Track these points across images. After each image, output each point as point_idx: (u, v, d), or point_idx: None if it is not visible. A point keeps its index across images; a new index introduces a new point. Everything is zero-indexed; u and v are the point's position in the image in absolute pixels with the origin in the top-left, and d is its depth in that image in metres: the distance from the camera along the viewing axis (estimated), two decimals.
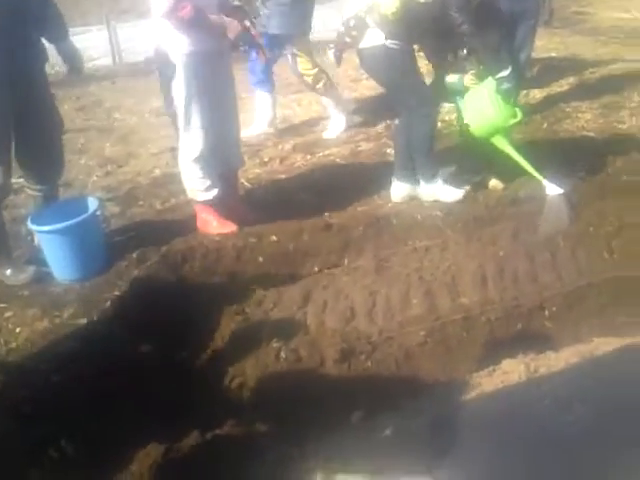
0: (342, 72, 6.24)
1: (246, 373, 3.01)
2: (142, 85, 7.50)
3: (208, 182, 3.94)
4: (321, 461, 2.47)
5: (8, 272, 3.71)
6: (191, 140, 3.83)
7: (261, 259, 3.77)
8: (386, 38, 3.99)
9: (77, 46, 3.92)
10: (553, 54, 8.57)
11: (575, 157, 4.99)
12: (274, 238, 3.88)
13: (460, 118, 4.52)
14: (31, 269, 3.73)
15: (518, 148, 4.27)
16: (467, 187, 4.48)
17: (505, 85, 4.09)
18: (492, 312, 3.35)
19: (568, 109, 6.38)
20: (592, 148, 5.34)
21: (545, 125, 5.90)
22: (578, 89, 7.12)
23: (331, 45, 4.27)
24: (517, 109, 4.25)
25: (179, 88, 3.70)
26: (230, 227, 4.03)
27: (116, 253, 3.85)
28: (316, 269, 3.75)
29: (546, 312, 3.43)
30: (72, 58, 3.87)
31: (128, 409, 2.75)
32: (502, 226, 4.15)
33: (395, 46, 4.02)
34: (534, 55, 6.77)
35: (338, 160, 5.08)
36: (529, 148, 4.38)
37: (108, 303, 3.41)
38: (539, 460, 2.36)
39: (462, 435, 2.51)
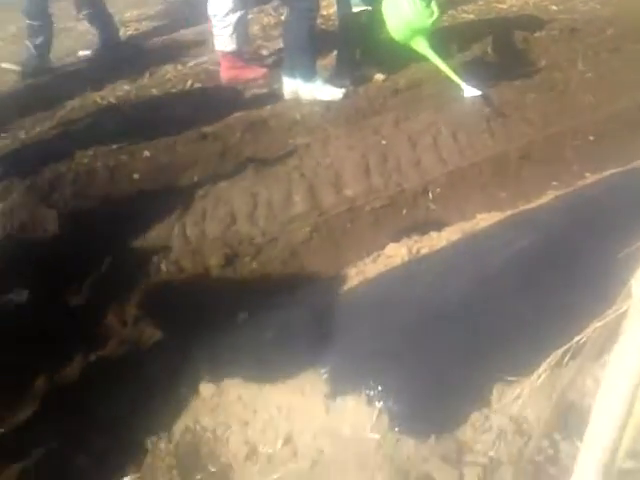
0: None
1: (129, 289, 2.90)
2: None
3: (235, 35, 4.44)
4: (208, 363, 2.44)
5: None
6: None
7: (136, 176, 3.60)
8: None
9: None
10: None
11: (460, 43, 4.98)
12: (147, 153, 3.71)
13: (341, 6, 4.37)
14: None
15: (437, 50, 4.15)
16: (348, 85, 4.40)
17: None
18: (376, 201, 3.35)
19: None
20: (473, 30, 5.34)
21: None
22: None
23: None
24: (433, 5, 4.05)
25: None
26: (260, 71, 4.67)
27: None
28: (194, 180, 3.61)
29: (430, 195, 3.46)
30: None
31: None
32: (384, 116, 4.12)
33: None
34: None
35: (211, 67, 4.86)
36: None
37: None
38: (422, 335, 2.38)
39: (346, 320, 2.50)
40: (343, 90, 4.32)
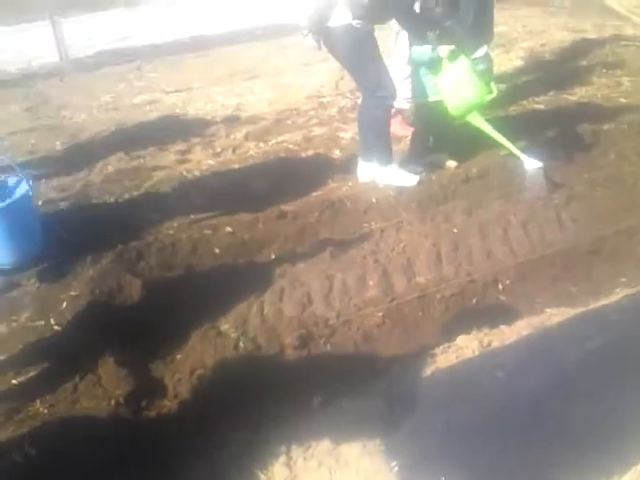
0: (293, 56, 6.24)
1: (206, 364, 3.01)
2: (89, 81, 7.42)
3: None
4: (283, 446, 2.50)
5: None
6: None
7: (217, 250, 3.77)
8: (353, 18, 3.95)
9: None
10: (503, 27, 8.62)
11: (527, 133, 5.08)
12: (229, 229, 3.89)
13: (416, 95, 4.53)
14: None
15: (494, 124, 4.29)
16: (420, 171, 4.52)
17: (480, 66, 4.09)
18: (447, 289, 3.43)
19: (518, 82, 6.45)
20: (542, 120, 5.44)
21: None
22: (528, 62, 7.20)
23: (305, 32, 4.18)
24: (493, 84, 4.24)
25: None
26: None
27: (71, 252, 3.81)
28: (273, 257, 3.76)
29: (500, 286, 3.52)
30: None
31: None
32: (455, 204, 4.22)
33: (359, 26, 3.98)
34: None
35: (291, 147, 5.08)
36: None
37: (64, 304, 3.40)
38: (492, 431, 2.42)
39: (419, 412, 2.55)
40: (417, 177, 4.44)
